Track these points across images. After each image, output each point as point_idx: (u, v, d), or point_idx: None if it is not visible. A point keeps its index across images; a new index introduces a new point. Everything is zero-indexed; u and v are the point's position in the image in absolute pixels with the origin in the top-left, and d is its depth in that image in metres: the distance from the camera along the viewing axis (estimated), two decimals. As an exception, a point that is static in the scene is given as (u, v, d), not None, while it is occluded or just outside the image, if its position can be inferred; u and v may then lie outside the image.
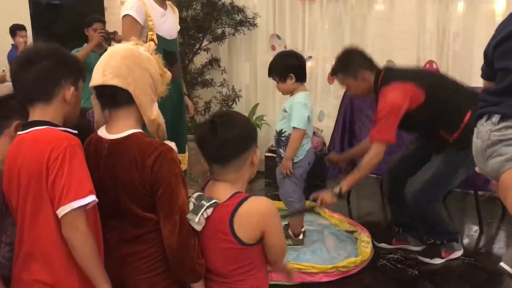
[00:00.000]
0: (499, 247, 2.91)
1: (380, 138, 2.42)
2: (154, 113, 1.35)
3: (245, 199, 1.29)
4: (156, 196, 1.28)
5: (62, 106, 1.30)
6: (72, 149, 1.21)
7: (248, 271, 1.33)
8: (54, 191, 1.18)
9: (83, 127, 1.44)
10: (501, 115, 1.02)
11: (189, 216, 1.28)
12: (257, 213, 1.28)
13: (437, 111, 2.40)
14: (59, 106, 1.30)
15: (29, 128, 1.26)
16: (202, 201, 1.29)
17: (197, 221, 1.27)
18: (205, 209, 1.28)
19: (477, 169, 1.19)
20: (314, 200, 2.51)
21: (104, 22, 3.91)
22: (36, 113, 1.29)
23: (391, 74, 2.49)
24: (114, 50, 1.35)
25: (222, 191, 1.32)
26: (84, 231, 1.20)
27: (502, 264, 1.07)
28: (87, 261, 1.22)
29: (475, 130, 1.15)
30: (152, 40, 2.51)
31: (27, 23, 6.89)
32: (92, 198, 1.21)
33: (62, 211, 1.17)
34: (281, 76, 2.57)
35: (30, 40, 4.69)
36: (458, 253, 2.66)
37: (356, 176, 2.48)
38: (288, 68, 2.55)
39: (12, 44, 5.02)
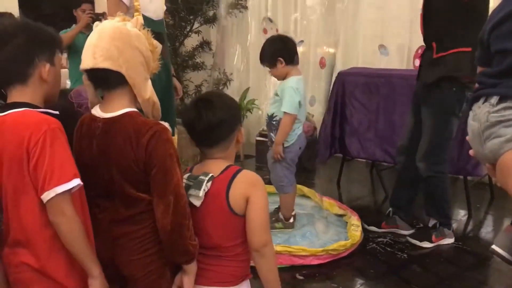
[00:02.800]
0: (487, 231, 2.94)
1: None
2: (148, 91, 1.32)
3: (239, 170, 1.33)
4: (150, 176, 1.26)
5: (40, 85, 1.25)
6: (53, 132, 1.17)
7: (246, 247, 1.34)
8: (37, 176, 1.15)
9: (66, 109, 1.39)
10: (500, 96, 1.01)
11: (192, 192, 1.29)
12: (245, 181, 1.31)
13: (461, 17, 2.35)
14: (37, 85, 1.24)
15: (7, 110, 1.21)
16: (200, 177, 1.30)
17: (200, 195, 1.28)
18: (205, 184, 1.29)
19: (471, 152, 1.18)
20: None
21: (92, 3, 3.84)
22: (14, 95, 1.24)
23: None
24: (102, 29, 1.29)
25: (215, 167, 1.34)
26: (70, 216, 1.17)
27: (493, 246, 1.07)
28: (76, 245, 1.19)
29: (471, 113, 1.14)
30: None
31: (15, 4, 6.76)
32: (77, 182, 1.17)
33: (46, 196, 1.14)
34: (271, 61, 2.57)
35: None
36: (449, 240, 2.68)
37: None
38: (276, 52, 2.54)
39: None
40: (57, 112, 1.26)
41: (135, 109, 1.31)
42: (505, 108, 0.99)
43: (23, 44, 1.22)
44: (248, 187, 1.30)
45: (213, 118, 1.31)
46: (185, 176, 1.34)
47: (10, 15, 3.74)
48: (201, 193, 1.28)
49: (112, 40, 1.26)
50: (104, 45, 1.25)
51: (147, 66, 1.33)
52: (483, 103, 1.06)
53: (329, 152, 3.63)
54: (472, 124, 1.11)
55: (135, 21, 1.36)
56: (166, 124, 1.33)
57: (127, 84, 1.27)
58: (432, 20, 2.51)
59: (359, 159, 3.92)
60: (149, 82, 1.34)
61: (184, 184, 1.30)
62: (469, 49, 2.33)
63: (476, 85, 1.17)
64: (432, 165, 2.56)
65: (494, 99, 1.02)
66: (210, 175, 1.30)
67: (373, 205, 3.42)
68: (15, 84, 1.23)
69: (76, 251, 1.20)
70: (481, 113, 1.06)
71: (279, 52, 2.55)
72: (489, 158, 1.06)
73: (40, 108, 1.24)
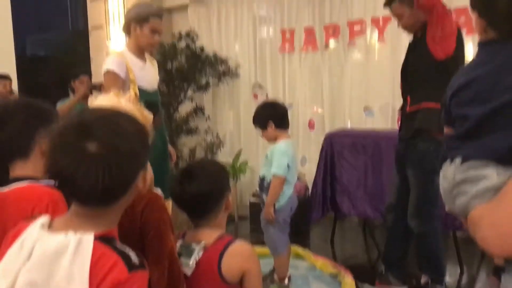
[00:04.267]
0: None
1: (441, 51, 2.44)
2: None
3: (231, 241, 1.38)
4: (145, 242, 1.32)
5: (41, 158, 1.29)
6: (55, 205, 1.23)
7: None
8: None
9: None
10: (463, 157, 1.12)
11: (183, 260, 1.33)
12: (240, 255, 1.36)
13: (433, 73, 2.45)
14: (38, 158, 1.30)
15: (10, 184, 1.28)
16: (191, 246, 1.36)
17: (190, 265, 1.32)
18: (197, 253, 1.34)
19: (446, 208, 1.27)
20: None
21: (90, 75, 4.05)
22: (16, 169, 1.31)
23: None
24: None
25: (206, 235, 1.40)
26: None
27: None
28: None
29: (441, 172, 1.25)
30: (134, 93, 2.62)
31: (13, 75, 7.03)
32: None
33: None
34: (262, 124, 2.72)
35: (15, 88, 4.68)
36: None
37: None
38: (267, 116, 2.70)
39: None
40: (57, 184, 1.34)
41: None
42: (468, 168, 1.10)
43: (24, 122, 1.31)
44: (244, 261, 1.35)
45: (196, 192, 1.37)
46: (178, 243, 1.40)
47: (6, 76, 3.96)
48: (192, 262, 1.33)
49: None
50: None
51: None
52: (450, 163, 1.17)
53: (321, 212, 3.69)
54: (442, 183, 1.21)
55: (127, 97, 1.47)
56: (158, 191, 1.41)
57: None
58: (408, 75, 2.67)
59: (351, 217, 3.99)
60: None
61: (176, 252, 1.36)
62: (439, 106, 2.46)
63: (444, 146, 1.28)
64: (423, 222, 2.61)
65: (458, 160, 1.13)
66: (202, 244, 1.36)
67: (367, 263, 3.44)
68: (17, 159, 1.31)
69: None
70: (449, 173, 1.16)
71: (270, 116, 2.71)
72: (461, 214, 1.16)
73: (42, 180, 1.32)
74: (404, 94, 2.73)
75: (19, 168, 1.32)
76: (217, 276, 1.34)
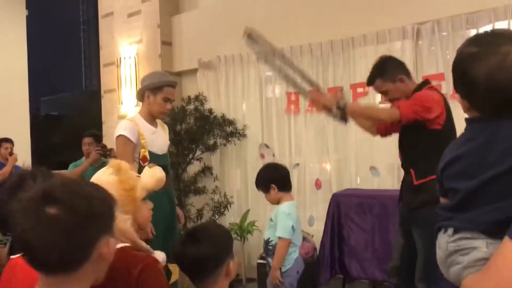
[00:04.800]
0: None
1: (402, 107, 2.47)
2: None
3: None
4: None
5: None
6: None
7: None
8: None
9: None
10: (454, 228, 1.15)
11: None
12: None
13: (432, 144, 2.45)
14: None
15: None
16: None
17: None
18: None
19: (445, 275, 1.29)
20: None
21: (100, 139, 4.20)
22: None
23: (429, 86, 2.66)
24: None
25: None
26: None
27: None
28: None
29: (437, 242, 1.27)
30: (144, 156, 2.70)
31: (27, 133, 7.26)
32: None
33: None
34: (264, 187, 2.76)
35: (17, 151, 4.81)
36: None
37: (364, 108, 2.59)
38: (269, 180, 2.76)
39: None
40: None
41: (128, 244, 1.42)
42: (460, 239, 1.13)
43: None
44: None
45: (196, 254, 1.41)
46: None
47: (9, 140, 4.16)
48: None
49: None
50: None
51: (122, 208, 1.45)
52: (443, 233, 1.20)
53: (329, 274, 3.64)
54: (438, 252, 1.24)
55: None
56: (159, 255, 1.44)
57: None
58: (406, 148, 2.72)
59: (361, 280, 3.91)
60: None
61: None
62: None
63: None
64: (431, 284, 2.57)
65: (450, 231, 1.16)
66: None
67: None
68: None
69: None
70: (442, 242, 1.19)
71: (272, 179, 2.75)
72: (456, 281, 1.17)
73: None
74: (405, 166, 2.76)
75: None
76: None
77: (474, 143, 1.09)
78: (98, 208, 0.98)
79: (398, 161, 4.05)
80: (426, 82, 2.75)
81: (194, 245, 1.43)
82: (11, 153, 4.44)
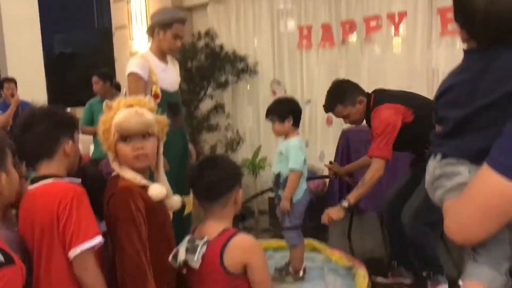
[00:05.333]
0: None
1: (379, 154, 2.61)
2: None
3: (234, 234, 1.48)
4: None
5: (64, 159, 1.50)
6: (79, 197, 1.39)
7: None
8: (65, 236, 1.35)
9: (96, 176, 1.63)
10: (442, 154, 1.20)
11: (189, 256, 1.45)
12: (241, 247, 1.46)
13: (423, 130, 2.51)
14: (61, 159, 1.49)
15: (37, 183, 1.44)
16: (195, 242, 1.47)
17: (195, 260, 1.43)
18: (200, 248, 1.45)
19: (431, 198, 1.36)
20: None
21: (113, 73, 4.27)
22: (42, 168, 1.47)
23: (382, 97, 2.70)
24: None
25: (212, 228, 1.51)
26: (93, 270, 1.37)
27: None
28: None
29: (427, 167, 1.33)
30: (156, 93, 2.73)
31: (41, 71, 7.32)
32: (99, 239, 1.38)
33: (73, 253, 1.34)
34: (281, 117, 2.75)
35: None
36: (444, 286, 2.72)
37: (361, 190, 2.69)
38: (289, 111, 2.76)
39: None
40: (79, 180, 1.49)
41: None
42: (446, 164, 1.18)
43: (50, 127, 1.47)
44: (244, 253, 1.45)
45: (212, 177, 1.50)
46: (186, 238, 1.52)
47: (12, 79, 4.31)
48: (196, 258, 1.43)
49: None
50: None
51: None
52: (433, 159, 1.25)
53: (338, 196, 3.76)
54: (426, 177, 1.30)
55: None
56: (177, 198, 1.59)
57: None
58: (402, 147, 2.77)
59: (369, 212, 4.04)
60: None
61: (183, 247, 1.48)
62: None
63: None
64: (418, 224, 2.58)
65: (438, 156, 1.21)
66: (205, 239, 1.46)
67: (384, 257, 3.49)
68: (43, 159, 1.47)
69: None
70: (431, 167, 1.25)
71: (292, 112, 2.76)
72: (439, 204, 1.25)
73: (65, 178, 1.47)
74: (410, 153, 2.90)
75: (44, 168, 1.48)
76: (220, 268, 1.44)
77: (469, 73, 1.11)
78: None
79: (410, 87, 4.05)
80: (373, 98, 2.71)
81: (210, 168, 1.52)
82: (13, 95, 4.36)
